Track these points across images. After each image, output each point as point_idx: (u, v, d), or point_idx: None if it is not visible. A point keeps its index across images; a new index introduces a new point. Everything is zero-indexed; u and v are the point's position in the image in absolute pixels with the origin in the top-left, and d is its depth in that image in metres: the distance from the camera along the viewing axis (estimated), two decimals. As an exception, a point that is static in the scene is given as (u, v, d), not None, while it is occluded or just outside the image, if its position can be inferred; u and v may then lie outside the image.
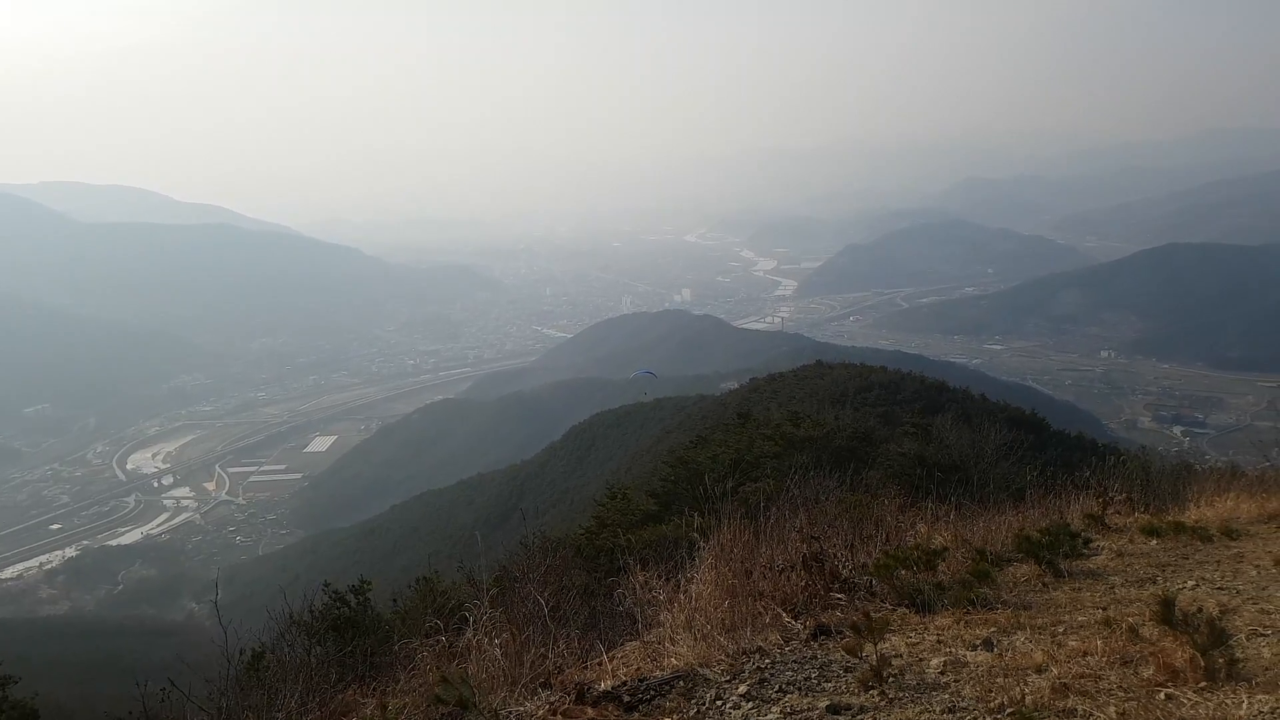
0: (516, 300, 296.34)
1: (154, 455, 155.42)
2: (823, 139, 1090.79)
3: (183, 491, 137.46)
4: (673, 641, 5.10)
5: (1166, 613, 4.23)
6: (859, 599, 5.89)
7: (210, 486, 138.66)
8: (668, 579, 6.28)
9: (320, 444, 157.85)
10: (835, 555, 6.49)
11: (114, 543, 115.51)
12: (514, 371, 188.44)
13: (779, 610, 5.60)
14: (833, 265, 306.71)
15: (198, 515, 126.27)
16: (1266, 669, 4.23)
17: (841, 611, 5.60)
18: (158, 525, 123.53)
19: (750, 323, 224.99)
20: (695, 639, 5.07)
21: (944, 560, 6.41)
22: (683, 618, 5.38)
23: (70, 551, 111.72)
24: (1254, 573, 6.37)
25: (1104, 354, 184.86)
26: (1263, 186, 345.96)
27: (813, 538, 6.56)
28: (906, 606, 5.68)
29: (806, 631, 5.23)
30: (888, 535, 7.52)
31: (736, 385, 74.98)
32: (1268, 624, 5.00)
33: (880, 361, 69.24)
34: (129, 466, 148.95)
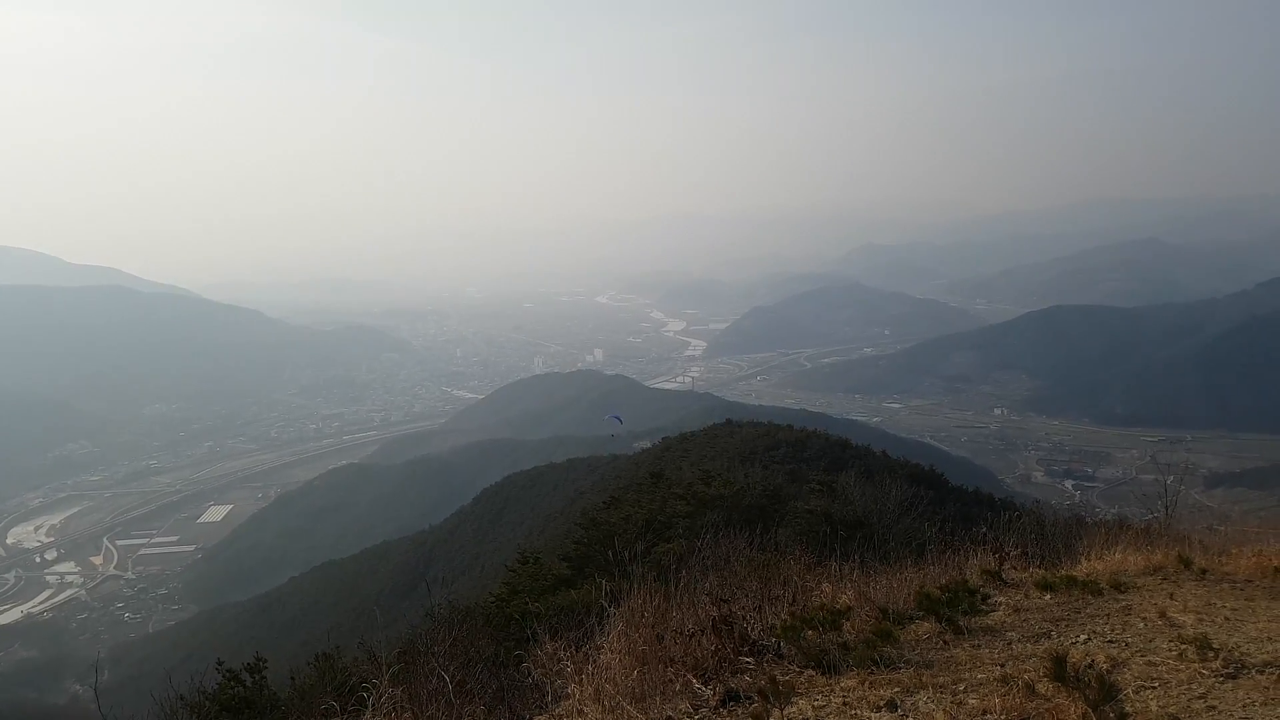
0: (425, 361, 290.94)
1: (37, 528, 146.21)
2: (729, 206, 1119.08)
3: (67, 566, 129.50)
4: (581, 714, 5.01)
5: (1059, 670, 4.36)
6: (767, 662, 5.90)
7: (97, 561, 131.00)
8: (577, 648, 6.18)
9: (215, 514, 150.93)
10: (744, 617, 6.50)
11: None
12: (422, 434, 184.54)
13: (689, 676, 5.56)
14: (739, 327, 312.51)
15: (83, 591, 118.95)
16: (1153, 721, 4.38)
17: (750, 675, 5.60)
18: (40, 603, 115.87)
19: (661, 382, 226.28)
20: (604, 711, 4.99)
21: (849, 619, 6.49)
22: (591, 689, 5.29)
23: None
24: (1141, 625, 6.62)
25: (997, 411, 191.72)
26: (1138, 252, 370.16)
27: (722, 600, 6.57)
28: (813, 668, 5.71)
29: (716, 698, 5.21)
30: (794, 595, 7.58)
31: (649, 444, 74.94)
32: (1154, 676, 5.20)
33: (787, 420, 70.34)
34: (9, 540, 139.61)
